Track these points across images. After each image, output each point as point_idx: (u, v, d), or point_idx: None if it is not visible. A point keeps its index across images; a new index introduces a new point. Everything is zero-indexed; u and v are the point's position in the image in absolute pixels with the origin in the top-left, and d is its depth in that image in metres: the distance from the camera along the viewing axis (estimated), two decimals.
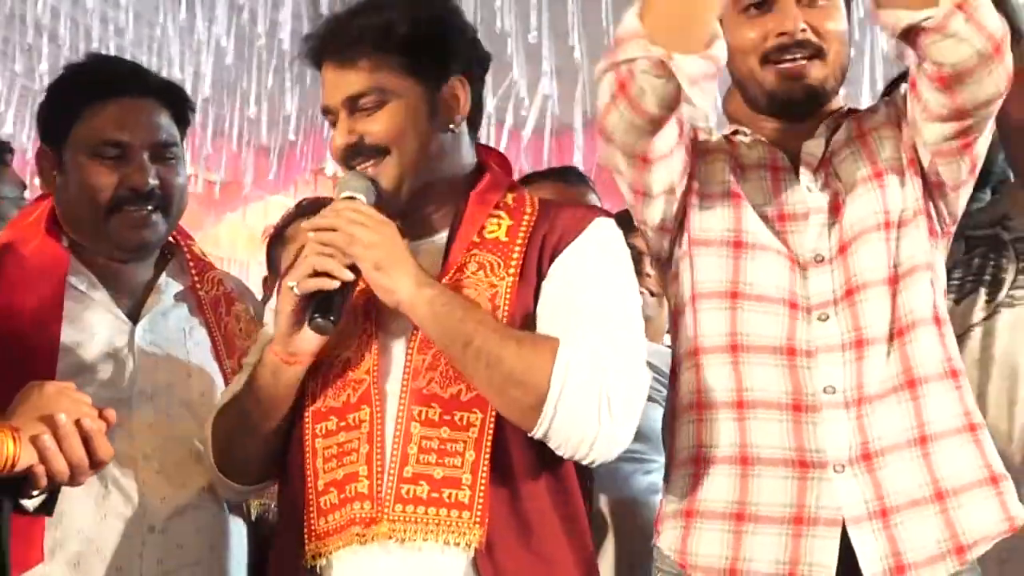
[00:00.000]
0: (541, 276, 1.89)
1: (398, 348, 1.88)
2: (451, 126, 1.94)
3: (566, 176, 3.12)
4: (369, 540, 1.79)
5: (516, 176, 2.39)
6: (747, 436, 1.95)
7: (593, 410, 1.78)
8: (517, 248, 1.91)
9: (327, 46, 1.92)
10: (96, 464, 1.72)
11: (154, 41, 5.57)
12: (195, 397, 2.15)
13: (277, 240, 3.20)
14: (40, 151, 2.19)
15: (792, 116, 2.05)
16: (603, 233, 1.94)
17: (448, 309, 1.79)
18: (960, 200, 2.04)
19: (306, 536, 1.84)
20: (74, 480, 1.72)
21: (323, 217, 1.85)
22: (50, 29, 5.63)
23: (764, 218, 2.01)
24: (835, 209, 2.01)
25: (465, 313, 1.80)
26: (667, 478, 2.07)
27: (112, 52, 5.34)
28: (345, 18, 1.92)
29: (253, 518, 2.36)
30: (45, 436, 1.66)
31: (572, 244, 1.90)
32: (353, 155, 1.90)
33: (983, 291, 2.32)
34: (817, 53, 2.00)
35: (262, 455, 1.96)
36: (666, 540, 2.01)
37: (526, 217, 1.95)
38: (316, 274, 1.81)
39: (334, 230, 1.81)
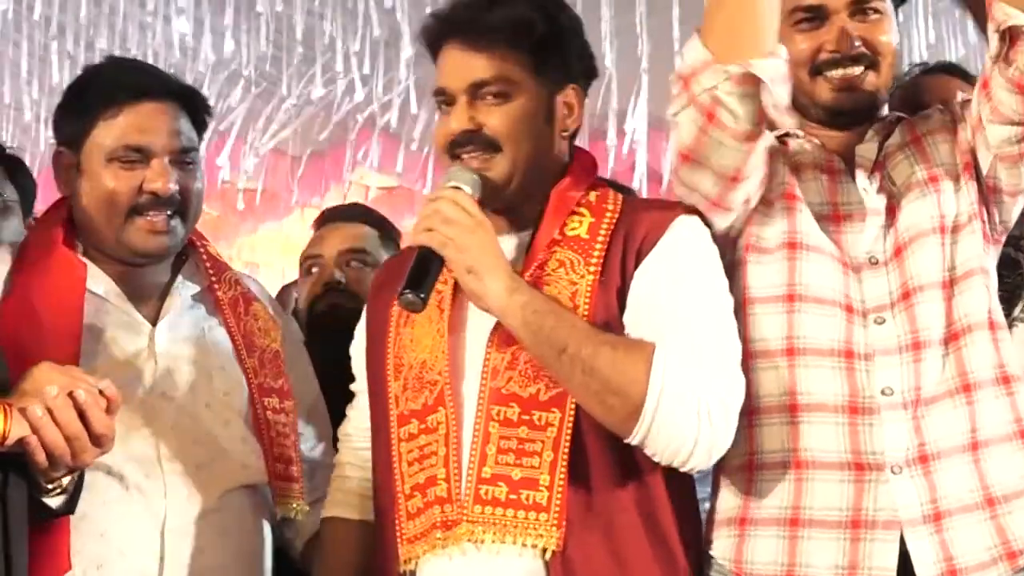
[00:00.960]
0: (626, 277, 1.89)
1: (473, 348, 1.89)
2: (563, 132, 1.97)
3: None
4: (450, 543, 1.81)
5: None
6: (801, 440, 1.92)
7: (692, 417, 1.77)
8: (598, 246, 1.91)
9: (460, 27, 1.92)
10: (97, 440, 1.71)
11: (187, 48, 5.61)
12: (218, 397, 2.14)
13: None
14: (57, 153, 2.17)
15: (844, 126, 2.07)
16: (688, 231, 1.93)
17: (540, 316, 1.78)
18: (1015, 208, 2.04)
19: (398, 541, 1.86)
20: (77, 458, 1.70)
21: (424, 211, 1.84)
22: (87, 38, 5.67)
23: (819, 219, 2.00)
24: (890, 212, 2.01)
25: (558, 320, 1.79)
26: (716, 485, 2.03)
27: (148, 59, 5.37)
28: (484, 4, 1.92)
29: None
30: (35, 406, 1.65)
31: (658, 245, 1.90)
32: (463, 143, 1.90)
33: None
34: (870, 65, 2.02)
35: None
36: (719, 549, 1.98)
37: (608, 215, 1.95)
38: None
39: (429, 230, 1.81)
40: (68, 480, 1.79)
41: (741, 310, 1.98)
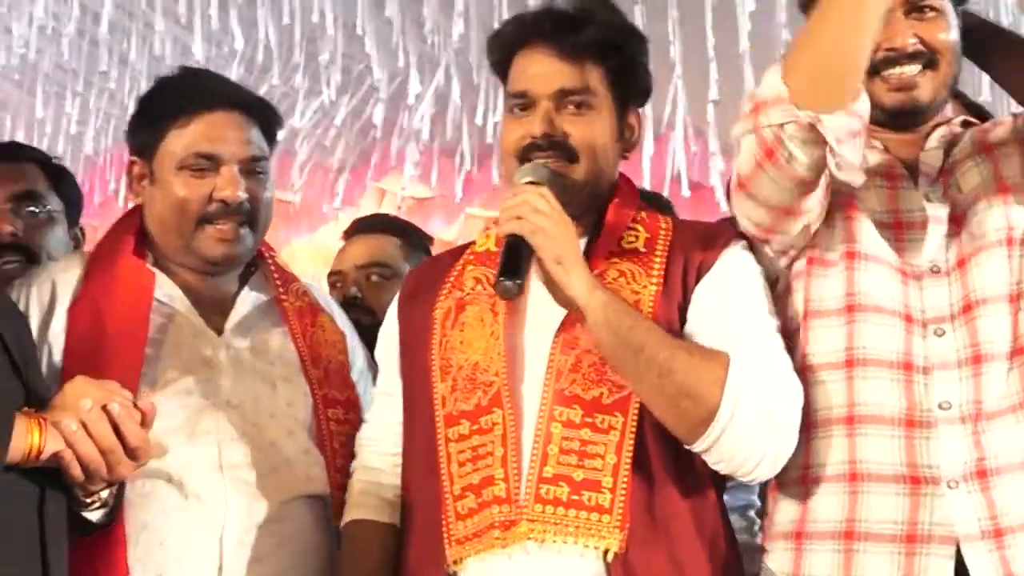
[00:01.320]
0: (687, 292, 1.92)
1: (534, 350, 1.90)
2: (624, 151, 2.02)
3: None
4: (510, 543, 1.81)
5: None
6: (857, 452, 1.91)
7: (762, 430, 1.80)
8: (658, 259, 1.94)
9: (553, 34, 1.94)
10: (132, 453, 1.71)
11: (222, 59, 5.66)
12: (282, 408, 2.15)
13: None
14: (130, 163, 2.20)
15: (903, 127, 2.04)
16: (743, 253, 1.98)
17: (620, 315, 1.80)
18: None
19: (446, 542, 1.85)
20: (112, 471, 1.71)
21: (509, 202, 1.85)
22: (120, 52, 5.72)
23: (880, 227, 1.98)
24: (955, 220, 1.98)
25: (635, 320, 1.81)
26: (772, 498, 2.03)
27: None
28: (579, 16, 1.96)
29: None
30: (69, 420, 1.66)
31: (718, 263, 1.94)
32: (542, 148, 1.92)
33: None
34: (928, 64, 1.99)
35: None
36: (776, 563, 1.98)
37: (662, 232, 2.00)
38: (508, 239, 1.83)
39: (518, 218, 1.82)
40: (107, 493, 1.80)
41: (802, 323, 1.98)
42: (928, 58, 1.98)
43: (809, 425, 1.93)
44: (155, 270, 2.15)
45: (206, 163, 2.12)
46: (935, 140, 2.03)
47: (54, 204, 2.60)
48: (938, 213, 1.98)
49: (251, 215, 2.15)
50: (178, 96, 2.18)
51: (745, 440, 1.80)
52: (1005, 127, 2.05)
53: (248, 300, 2.22)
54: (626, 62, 1.98)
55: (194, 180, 2.12)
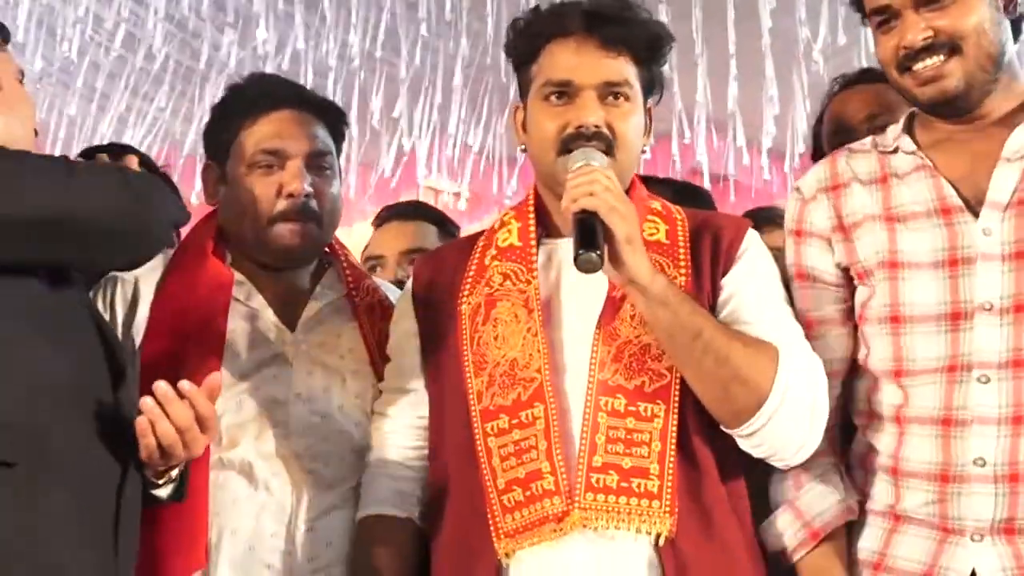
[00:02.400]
0: (715, 282, 1.95)
1: (574, 342, 1.93)
2: (645, 145, 2.04)
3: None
4: (565, 533, 1.84)
5: None
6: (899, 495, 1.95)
7: (805, 420, 1.86)
8: (682, 249, 1.97)
9: (596, 24, 1.96)
10: (204, 424, 1.78)
11: (257, 59, 5.69)
12: (350, 400, 2.21)
13: None
14: (206, 166, 2.31)
15: (954, 115, 1.97)
16: (762, 246, 2.02)
17: (679, 299, 1.84)
18: None
19: (494, 535, 1.87)
20: (188, 448, 1.79)
21: (577, 179, 1.84)
22: (162, 58, 5.76)
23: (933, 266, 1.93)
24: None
25: (693, 306, 1.85)
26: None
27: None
28: (625, 10, 1.98)
29: None
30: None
31: (744, 256, 1.98)
32: (588, 137, 1.92)
33: None
34: (952, 50, 1.91)
35: None
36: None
37: (679, 223, 2.02)
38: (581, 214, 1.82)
39: (592, 195, 1.82)
40: (176, 472, 1.88)
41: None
42: (950, 45, 1.91)
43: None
44: (233, 269, 2.23)
45: (273, 159, 2.21)
46: (1016, 144, 1.92)
47: None
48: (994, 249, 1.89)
49: (318, 208, 2.22)
50: (247, 99, 2.28)
51: (788, 428, 1.86)
52: None
53: (320, 297, 2.29)
54: (656, 59, 2.01)
55: (262, 176, 2.20)
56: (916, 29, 1.92)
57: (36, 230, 1.75)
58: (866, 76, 2.60)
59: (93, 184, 1.82)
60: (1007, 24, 1.97)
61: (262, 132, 2.23)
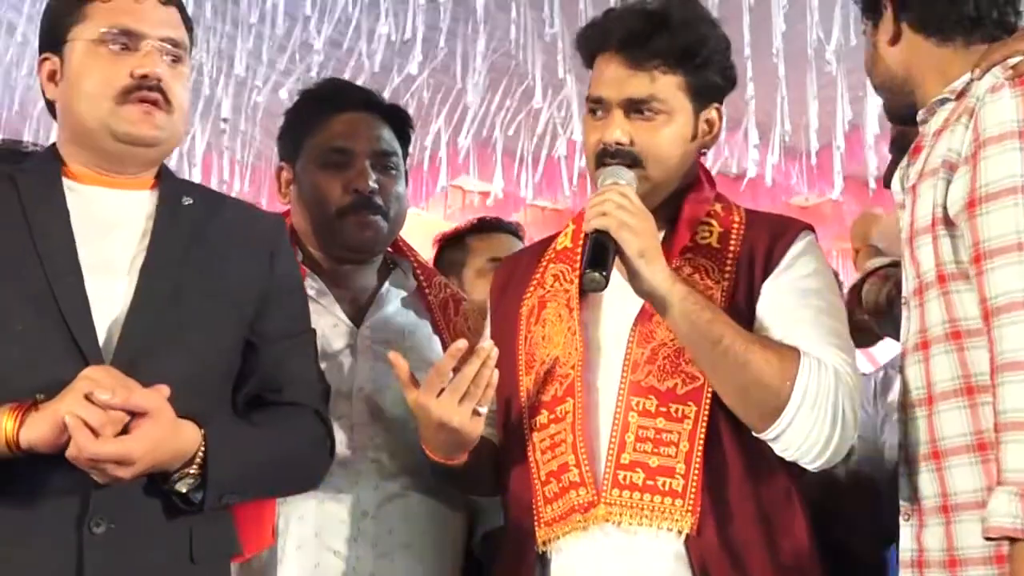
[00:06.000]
0: (754, 286, 1.97)
1: (610, 343, 1.97)
2: (703, 149, 2.06)
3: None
4: (589, 525, 1.90)
5: None
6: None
7: (828, 421, 1.85)
8: (730, 255, 1.99)
9: (621, 43, 1.98)
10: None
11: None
12: None
13: (454, 244, 3.23)
14: (279, 168, 2.42)
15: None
16: (812, 245, 2.01)
17: (699, 307, 1.86)
18: None
19: (536, 524, 1.95)
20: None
21: (594, 200, 1.89)
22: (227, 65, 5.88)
23: None
24: None
25: (714, 313, 1.87)
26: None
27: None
28: (649, 26, 1.97)
29: None
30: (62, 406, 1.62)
31: (786, 257, 1.98)
32: (612, 154, 1.96)
33: None
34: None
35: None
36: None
37: (735, 226, 2.03)
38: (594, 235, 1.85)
39: (604, 214, 1.86)
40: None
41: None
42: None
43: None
44: (304, 267, 2.29)
45: (340, 157, 2.31)
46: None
47: None
48: None
49: (383, 206, 2.30)
50: (316, 102, 2.40)
51: (811, 431, 1.85)
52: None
53: (388, 293, 2.37)
54: (702, 65, 1.98)
55: (330, 175, 2.31)
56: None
57: None
58: None
59: None
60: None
61: (331, 132, 2.33)
